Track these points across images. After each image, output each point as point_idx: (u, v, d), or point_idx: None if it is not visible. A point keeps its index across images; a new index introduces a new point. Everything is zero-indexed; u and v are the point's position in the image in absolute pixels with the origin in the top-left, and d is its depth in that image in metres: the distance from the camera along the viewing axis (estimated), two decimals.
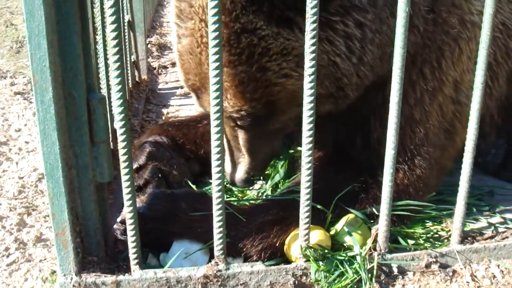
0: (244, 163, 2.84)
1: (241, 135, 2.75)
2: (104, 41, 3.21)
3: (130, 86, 4.28)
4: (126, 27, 4.12)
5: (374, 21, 2.50)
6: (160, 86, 4.92)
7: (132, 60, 4.40)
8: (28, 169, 3.56)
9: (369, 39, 2.50)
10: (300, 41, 2.39)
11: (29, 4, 1.90)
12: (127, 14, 4.26)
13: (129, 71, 4.20)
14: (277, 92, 2.49)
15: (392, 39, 2.17)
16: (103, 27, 3.23)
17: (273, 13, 2.36)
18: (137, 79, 4.58)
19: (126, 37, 4.12)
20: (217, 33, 1.99)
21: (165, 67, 5.30)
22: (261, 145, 2.80)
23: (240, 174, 2.86)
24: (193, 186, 3.01)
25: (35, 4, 1.90)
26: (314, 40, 2.06)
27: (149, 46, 5.60)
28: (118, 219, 2.55)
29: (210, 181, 2.67)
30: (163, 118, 4.23)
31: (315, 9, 2.02)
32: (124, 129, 2.10)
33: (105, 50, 3.20)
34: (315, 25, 2.03)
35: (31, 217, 3.12)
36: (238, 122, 2.62)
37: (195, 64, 2.52)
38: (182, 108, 4.42)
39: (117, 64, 2.03)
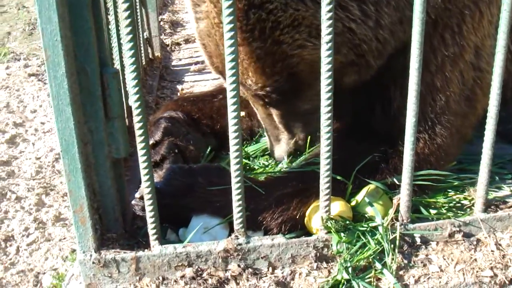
0: (284, 139, 2.86)
1: (274, 112, 2.77)
2: (116, 17, 3.18)
3: (144, 63, 4.25)
4: (137, 4, 4.08)
5: None
6: (173, 63, 4.90)
7: (145, 37, 4.36)
8: (44, 149, 3.57)
9: (384, 1, 2.44)
10: (310, 10, 2.36)
11: None
12: None
13: (142, 48, 4.17)
14: (296, 63, 2.47)
15: (411, 2, 2.10)
16: (115, 3, 3.19)
17: None
18: (150, 56, 4.55)
19: (138, 14, 4.07)
20: (232, 17, 1.94)
21: (178, 44, 5.27)
22: (296, 122, 2.80)
23: (282, 150, 2.88)
24: None
25: None
26: (331, 7, 1.99)
27: (161, 23, 5.56)
28: (137, 195, 2.52)
29: (227, 155, 2.64)
30: (178, 94, 4.20)
31: None
32: (139, 102, 2.07)
33: (117, 27, 3.17)
34: None
35: (49, 197, 3.13)
36: (266, 100, 2.62)
37: (214, 46, 2.53)
38: (196, 84, 4.40)
39: (130, 36, 1.98)
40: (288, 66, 2.47)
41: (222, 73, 2.60)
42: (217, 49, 2.53)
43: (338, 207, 2.43)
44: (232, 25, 1.97)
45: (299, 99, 2.65)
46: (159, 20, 5.14)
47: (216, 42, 2.51)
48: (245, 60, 2.44)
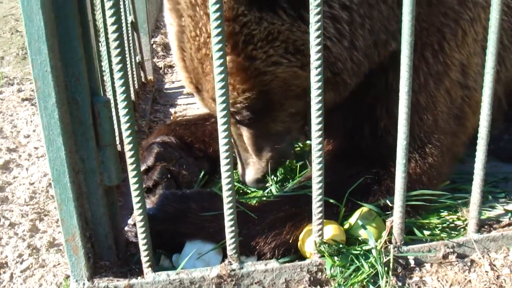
0: (253, 163, 2.81)
1: (245, 133, 2.72)
2: (108, 44, 3.19)
3: (136, 87, 4.24)
4: (129, 28, 4.09)
5: (362, 5, 2.43)
6: (166, 86, 4.89)
7: (137, 61, 4.37)
8: (38, 174, 3.56)
9: (358, 23, 2.44)
10: (286, 24, 2.34)
11: (27, 9, 1.86)
12: (130, 14, 4.23)
13: (134, 72, 4.17)
14: (269, 81, 2.44)
15: (386, 25, 2.10)
16: (106, 29, 3.20)
17: None
18: (143, 79, 4.55)
19: (130, 38, 4.08)
20: (219, 29, 1.95)
21: (171, 67, 5.26)
22: (266, 145, 2.76)
23: (251, 175, 2.83)
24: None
25: (33, 9, 1.86)
26: (319, 32, 2.01)
27: (154, 46, 5.56)
28: (130, 221, 2.52)
29: (220, 180, 2.64)
30: (171, 117, 4.20)
31: (319, 1, 1.97)
32: (130, 131, 2.07)
33: (108, 53, 3.18)
34: (319, 16, 1.98)
35: (43, 222, 3.11)
36: (237, 117, 2.58)
37: (189, 61, 2.49)
38: (189, 107, 4.39)
39: (120, 65, 2.00)
40: (260, 83, 2.44)
41: (196, 88, 2.59)
42: (191, 63, 2.50)
43: (331, 230, 2.43)
44: (221, 53, 1.99)
45: (270, 119, 2.62)
46: (152, 42, 5.15)
47: (191, 56, 2.47)
48: None
